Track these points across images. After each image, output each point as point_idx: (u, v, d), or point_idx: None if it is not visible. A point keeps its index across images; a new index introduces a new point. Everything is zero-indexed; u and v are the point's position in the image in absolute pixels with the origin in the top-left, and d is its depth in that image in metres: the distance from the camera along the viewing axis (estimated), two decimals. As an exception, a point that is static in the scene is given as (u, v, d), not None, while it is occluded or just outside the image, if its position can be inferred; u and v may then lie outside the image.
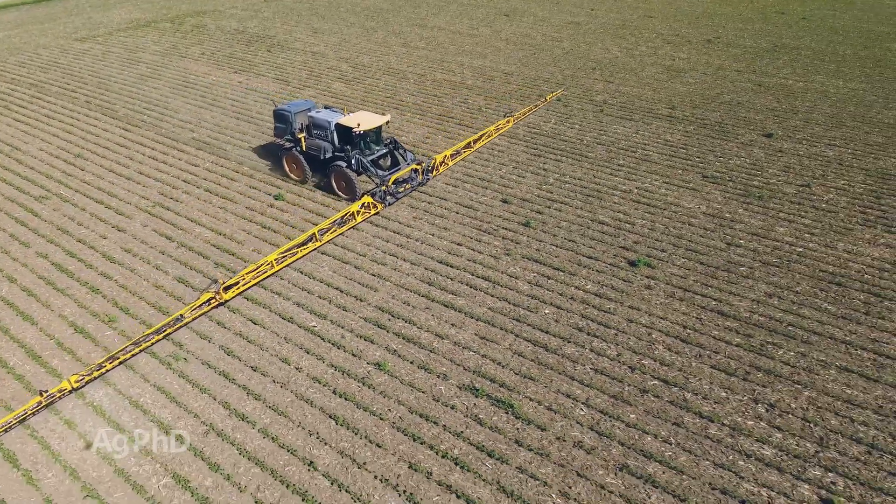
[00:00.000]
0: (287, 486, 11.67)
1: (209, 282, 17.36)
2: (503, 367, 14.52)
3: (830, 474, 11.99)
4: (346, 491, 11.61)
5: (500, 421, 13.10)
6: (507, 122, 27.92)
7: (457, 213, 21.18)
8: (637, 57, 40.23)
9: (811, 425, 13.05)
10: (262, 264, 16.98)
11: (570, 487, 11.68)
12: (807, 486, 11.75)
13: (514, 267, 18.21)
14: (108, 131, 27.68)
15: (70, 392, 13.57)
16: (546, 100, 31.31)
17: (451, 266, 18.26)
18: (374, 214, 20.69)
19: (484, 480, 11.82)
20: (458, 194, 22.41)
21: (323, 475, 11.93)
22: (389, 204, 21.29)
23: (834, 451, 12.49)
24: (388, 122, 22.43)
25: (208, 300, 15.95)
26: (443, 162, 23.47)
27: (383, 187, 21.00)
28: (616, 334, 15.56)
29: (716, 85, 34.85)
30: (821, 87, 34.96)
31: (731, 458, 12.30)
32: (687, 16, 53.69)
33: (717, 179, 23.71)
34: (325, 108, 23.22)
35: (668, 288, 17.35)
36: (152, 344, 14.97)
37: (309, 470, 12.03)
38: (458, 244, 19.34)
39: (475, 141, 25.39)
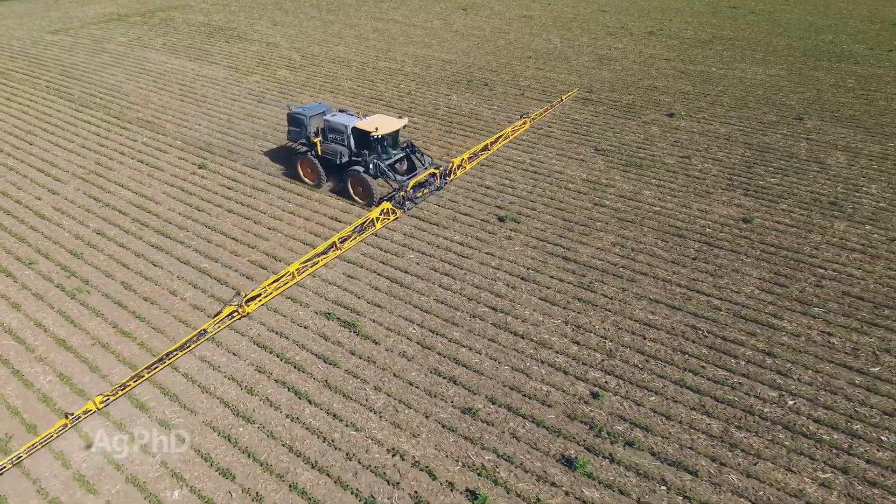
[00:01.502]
0: (154, 385, 14.03)
1: (232, 293, 16.82)
2: (358, 297, 16.88)
3: (607, 376, 14.28)
4: (199, 385, 13.97)
5: (342, 337, 15.44)
6: (524, 123, 27.73)
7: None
8: (575, 47, 42.51)
9: (606, 341, 15.34)
10: (283, 275, 16.77)
11: (384, 384, 14.02)
12: (583, 384, 14.04)
13: (395, 222, 20.56)
14: (60, 112, 30.15)
15: (95, 412, 13.29)
16: (562, 100, 31.34)
17: (339, 221, 20.63)
18: (394, 220, 20.38)
19: (314, 379, 14.16)
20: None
21: (183, 375, 14.29)
22: (408, 210, 20.97)
23: (618, 360, 14.78)
24: (405, 126, 22.10)
25: (231, 314, 15.75)
26: (460, 165, 23.16)
27: (402, 193, 20.65)
28: (465, 273, 17.88)
29: (640, 72, 37.10)
30: (740, 73, 37.18)
31: (527, 364, 14.61)
32: (639, 10, 55.93)
33: (606, 152, 25.99)
34: (340, 111, 22.61)
35: (526, 238, 19.66)
36: (176, 359, 14.60)
37: (172, 372, 14.40)
38: (352, 204, 21.70)
39: (492, 143, 25.22)
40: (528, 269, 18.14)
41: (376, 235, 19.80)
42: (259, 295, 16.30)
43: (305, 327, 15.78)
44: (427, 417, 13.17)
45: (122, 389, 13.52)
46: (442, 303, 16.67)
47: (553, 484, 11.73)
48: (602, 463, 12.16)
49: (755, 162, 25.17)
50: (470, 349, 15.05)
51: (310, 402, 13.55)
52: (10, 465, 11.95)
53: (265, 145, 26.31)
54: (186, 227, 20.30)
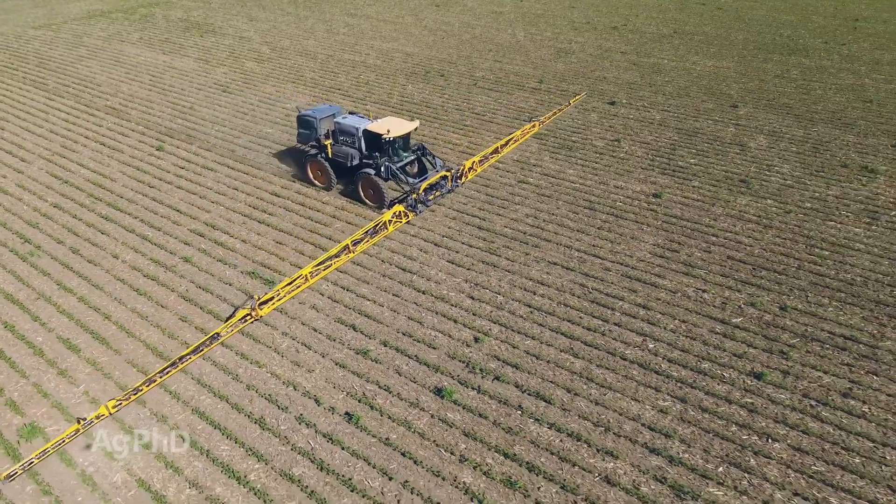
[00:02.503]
0: (86, 331, 15.73)
1: (245, 297, 16.84)
2: (282, 259, 18.58)
3: (492, 324, 15.92)
4: (125, 330, 15.64)
5: (261, 292, 17.11)
6: (533, 126, 27.85)
7: (301, 160, 25.16)
8: (537, 41, 44.09)
9: (498, 296, 16.99)
10: (296, 278, 16.86)
11: (291, 330, 15.72)
12: (468, 331, 15.69)
13: (327, 196, 22.25)
14: (34, 100, 31.95)
15: (107, 417, 13.26)
16: (570, 103, 31.27)
17: (278, 196, 22.33)
18: (405, 223, 20.39)
19: (242, 333, 15.80)
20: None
21: (114, 323, 15.98)
22: (420, 212, 20.92)
23: (506, 311, 16.42)
24: (416, 129, 22.13)
25: (244, 317, 15.77)
26: (471, 168, 23.25)
27: (414, 195, 20.74)
28: (384, 240, 19.56)
29: (594, 64, 38.68)
30: (691, 65, 38.70)
31: (423, 315, 16.27)
32: (609, 6, 57.39)
33: (541, 136, 27.61)
34: (351, 113, 22.79)
35: (447, 210, 21.32)
36: (188, 363, 14.59)
37: (104, 319, 16.10)
38: (292, 181, 23.39)
39: (503, 146, 25.48)
40: (443, 236, 19.79)
41: (305, 206, 21.51)
42: (272, 298, 16.34)
43: (230, 284, 17.48)
44: (324, 357, 14.85)
45: (135, 394, 13.54)
46: (357, 264, 18.35)
47: (422, 409, 13.39)
48: (469, 393, 13.82)
49: (680, 145, 26.75)
50: (374, 302, 16.73)
51: (222, 344, 15.24)
52: (22, 472, 12.03)
53: (225, 130, 28.03)
54: (136, 200, 22.01)
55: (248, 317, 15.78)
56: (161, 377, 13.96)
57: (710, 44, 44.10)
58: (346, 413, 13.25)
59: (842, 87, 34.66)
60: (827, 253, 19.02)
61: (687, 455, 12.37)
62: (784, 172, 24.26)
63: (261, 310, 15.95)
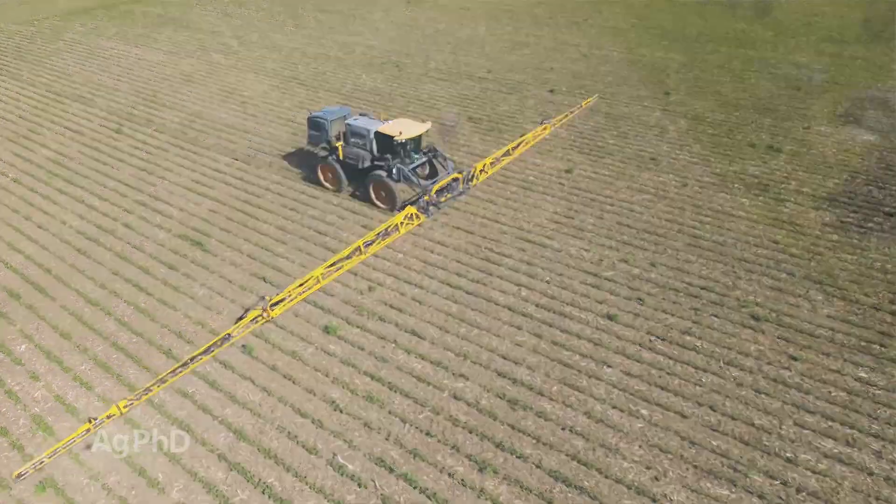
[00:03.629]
0: (27, 282, 17.82)
1: (256, 298, 16.99)
2: (211, 224, 20.67)
3: (387, 276, 17.96)
4: (64, 283, 17.72)
5: (189, 252, 19.20)
6: (545, 128, 27.84)
7: (248, 140, 27.23)
8: (496, 35, 46.03)
9: (399, 254, 19.00)
10: (308, 279, 17.10)
11: (208, 281, 17.78)
12: (365, 282, 17.73)
13: (264, 171, 24.31)
14: (7, 90, 34.10)
15: (118, 417, 13.48)
16: (581, 106, 31.14)
17: (220, 171, 24.39)
18: (417, 226, 20.47)
19: (156, 278, 17.93)
20: (264, 130, 28.48)
21: (54, 277, 18.06)
22: (431, 214, 21.12)
23: (402, 267, 18.45)
24: (428, 131, 22.25)
25: (255, 318, 15.95)
26: (483, 170, 23.51)
27: (426, 197, 20.89)
28: (307, 209, 21.62)
29: (546, 56, 40.60)
30: (639, 57, 40.61)
31: (346, 277, 18.27)
32: (575, 2, 59.28)
33: (477, 120, 29.63)
34: (361, 115, 22.89)
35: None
36: (199, 364, 14.81)
37: (45, 273, 18.17)
38: (235, 159, 25.46)
39: (514, 148, 25.59)
40: (362, 205, 21.82)
41: (244, 181, 23.57)
42: (284, 299, 16.61)
43: (162, 245, 19.56)
44: (233, 303, 16.92)
45: (146, 394, 13.86)
46: (280, 229, 20.41)
47: (309, 342, 15.45)
48: (353, 330, 15.86)
49: (604, 128, 28.69)
50: (287, 259, 18.79)
51: (148, 293, 17.31)
52: (33, 471, 12.29)
53: (182, 116, 30.11)
54: (90, 176, 24.12)
55: (260, 317, 16.01)
56: (172, 377, 14.33)
57: (664, 37, 45.92)
58: (243, 346, 15.29)
59: (777, 76, 36.52)
60: (709, 219, 20.96)
61: (529, 378, 14.37)
62: (694, 152, 26.18)
63: (272, 311, 16.19)
